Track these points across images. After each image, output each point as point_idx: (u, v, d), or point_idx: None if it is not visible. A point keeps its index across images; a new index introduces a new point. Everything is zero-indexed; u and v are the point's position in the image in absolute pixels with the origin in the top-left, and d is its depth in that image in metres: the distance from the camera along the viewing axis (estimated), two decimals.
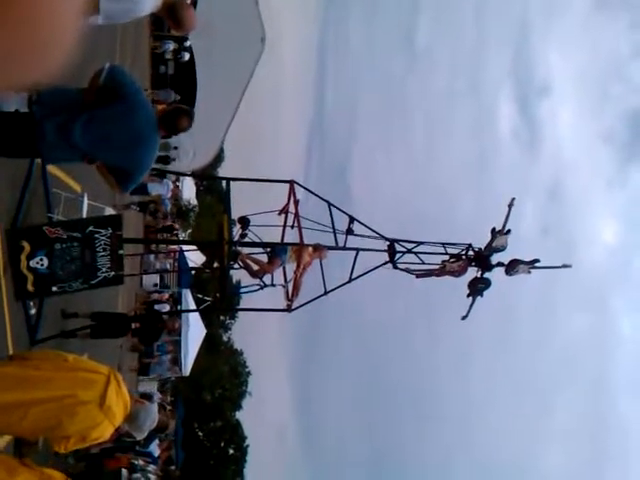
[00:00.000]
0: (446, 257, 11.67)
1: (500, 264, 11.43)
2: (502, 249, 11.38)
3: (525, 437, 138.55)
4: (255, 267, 10.59)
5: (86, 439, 3.98)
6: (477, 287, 11.44)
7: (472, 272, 11.63)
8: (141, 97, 4.66)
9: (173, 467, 24.35)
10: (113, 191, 6.09)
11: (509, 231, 11.30)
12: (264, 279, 10.74)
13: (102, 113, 4.42)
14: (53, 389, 3.81)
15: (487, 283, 11.50)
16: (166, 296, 25.66)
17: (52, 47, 0.67)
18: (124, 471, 12.15)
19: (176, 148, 28.98)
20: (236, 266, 10.92)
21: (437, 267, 11.50)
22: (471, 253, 11.61)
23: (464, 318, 11.80)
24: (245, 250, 10.83)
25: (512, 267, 11.30)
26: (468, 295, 11.54)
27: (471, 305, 11.59)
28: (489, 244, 11.35)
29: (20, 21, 0.62)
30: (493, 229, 11.34)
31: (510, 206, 11.27)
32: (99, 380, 3.95)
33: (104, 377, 3.98)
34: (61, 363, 4.00)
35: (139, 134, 4.57)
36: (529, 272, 11.42)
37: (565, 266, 11.52)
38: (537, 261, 11.41)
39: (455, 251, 11.79)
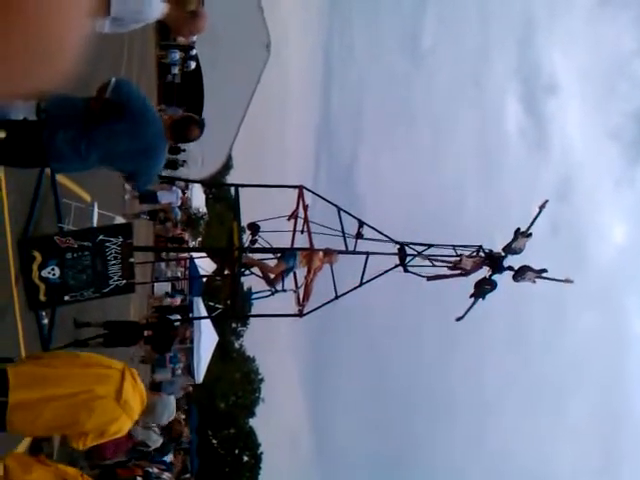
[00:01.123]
0: (458, 257, 11.61)
1: (510, 268, 11.35)
2: (519, 252, 11.31)
3: (538, 437, 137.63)
4: (271, 275, 10.60)
5: (104, 434, 3.99)
6: (482, 288, 11.35)
7: (481, 273, 11.61)
8: (148, 111, 4.64)
9: (188, 475, 24.34)
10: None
11: (530, 234, 11.23)
12: (275, 285, 10.76)
13: (110, 129, 4.43)
14: (69, 386, 3.81)
15: (493, 285, 11.41)
16: (178, 301, 25.71)
17: (58, 54, 0.66)
18: (139, 479, 12.16)
19: (184, 161, 29.15)
20: (247, 272, 10.94)
21: (453, 260, 11.42)
22: (482, 255, 11.56)
23: (459, 319, 11.68)
24: (256, 256, 10.84)
25: (521, 273, 11.20)
26: (471, 296, 11.47)
27: (470, 307, 11.49)
28: (509, 244, 11.26)
29: (25, 28, 0.61)
30: (517, 229, 11.26)
31: (541, 208, 11.14)
32: (114, 375, 3.96)
33: (119, 372, 3.99)
34: (74, 360, 4.01)
35: (147, 147, 4.59)
36: (534, 282, 11.32)
37: (567, 281, 11.42)
38: (545, 271, 11.31)
39: (466, 253, 11.74)
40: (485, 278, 11.44)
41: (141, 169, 4.74)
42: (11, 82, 0.65)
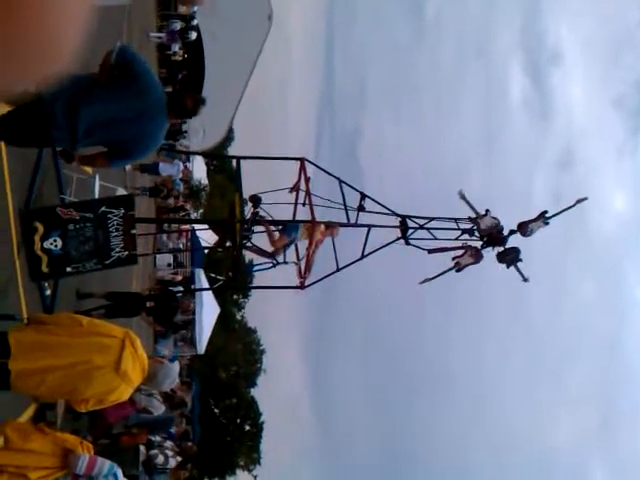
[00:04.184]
0: (455, 259, 11.67)
1: (512, 232, 11.45)
2: (497, 224, 11.40)
3: (539, 405, 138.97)
4: (271, 247, 10.64)
5: (104, 402, 4.06)
6: (510, 257, 11.47)
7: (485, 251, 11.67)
8: (151, 77, 4.65)
9: (190, 443, 24.63)
10: (99, 167, 6.15)
11: (487, 211, 11.37)
12: (277, 257, 10.80)
13: (111, 90, 4.41)
14: (69, 355, 3.87)
15: (515, 250, 11.50)
16: (179, 278, 25.76)
17: (60, 46, 0.63)
18: (141, 447, 12.30)
19: (186, 131, 28.94)
20: (248, 244, 10.96)
21: (452, 264, 11.54)
22: (477, 235, 11.60)
23: (526, 280, 11.78)
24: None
25: (524, 230, 11.32)
26: (508, 267, 11.57)
27: (518, 270, 11.61)
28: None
29: (26, 19, 0.58)
30: (545, 212, 11.39)
31: (463, 198, 11.35)
32: (114, 345, 4.00)
33: (119, 341, 4.02)
34: (76, 328, 4.05)
35: (145, 111, 4.55)
36: (546, 224, 11.39)
37: (580, 201, 11.45)
38: (545, 212, 11.40)
39: (467, 226, 11.75)
40: (501, 252, 11.49)
41: (133, 137, 4.65)
42: (11, 76, 0.62)
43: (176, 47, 29.55)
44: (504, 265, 11.58)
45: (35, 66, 0.63)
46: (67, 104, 4.27)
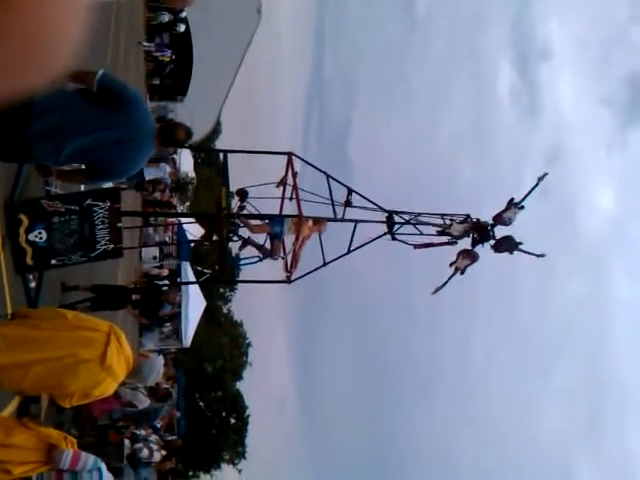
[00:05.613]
0: (450, 241, 11.75)
1: (492, 225, 11.57)
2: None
3: (525, 402, 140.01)
4: (252, 230, 10.68)
5: (89, 396, 4.05)
6: (507, 245, 11.57)
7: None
8: (141, 106, 4.56)
9: (175, 436, 24.63)
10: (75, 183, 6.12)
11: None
12: (263, 250, 10.82)
13: (100, 118, 4.28)
14: (53, 349, 3.85)
15: (508, 238, 11.64)
16: (166, 272, 25.69)
17: (60, 45, 0.61)
18: (126, 441, 12.30)
19: (172, 120, 28.77)
20: (235, 238, 10.97)
21: (453, 270, 11.61)
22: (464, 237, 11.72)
23: (541, 256, 11.90)
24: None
25: (501, 221, 11.49)
26: (511, 253, 11.66)
27: (526, 252, 11.72)
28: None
29: (23, 19, 0.56)
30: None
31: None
32: (99, 338, 3.98)
33: (104, 335, 4.00)
34: (61, 322, 4.03)
35: (133, 140, 4.47)
36: (521, 208, 11.57)
37: (541, 179, 11.62)
38: (512, 199, 11.56)
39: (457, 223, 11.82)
40: (496, 242, 11.59)
41: (113, 164, 4.61)
42: (8, 78, 0.60)
43: (164, 50, 29.33)
44: (507, 253, 11.70)
45: (34, 66, 0.61)
46: (52, 133, 4.13)
